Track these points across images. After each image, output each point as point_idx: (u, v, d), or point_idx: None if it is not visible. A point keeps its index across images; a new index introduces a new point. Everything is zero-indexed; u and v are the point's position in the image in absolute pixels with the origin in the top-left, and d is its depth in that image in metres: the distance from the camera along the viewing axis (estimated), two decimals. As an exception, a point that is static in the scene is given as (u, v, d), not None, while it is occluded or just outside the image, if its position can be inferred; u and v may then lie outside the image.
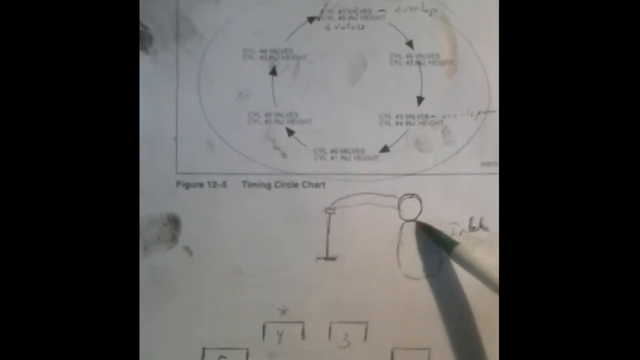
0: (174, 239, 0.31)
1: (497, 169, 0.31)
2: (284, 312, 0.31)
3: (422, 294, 0.31)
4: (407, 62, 0.32)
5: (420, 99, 0.31)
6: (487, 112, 0.31)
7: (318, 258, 0.31)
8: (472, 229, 0.31)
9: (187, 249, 0.31)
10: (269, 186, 0.31)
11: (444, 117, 0.31)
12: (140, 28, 0.31)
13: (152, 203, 0.31)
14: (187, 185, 0.31)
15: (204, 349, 0.31)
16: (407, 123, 0.31)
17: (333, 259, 0.31)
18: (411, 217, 0.31)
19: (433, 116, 0.31)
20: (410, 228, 0.31)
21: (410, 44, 0.32)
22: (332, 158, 0.31)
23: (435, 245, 0.31)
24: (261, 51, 0.32)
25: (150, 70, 0.31)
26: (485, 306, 0.31)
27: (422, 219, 0.31)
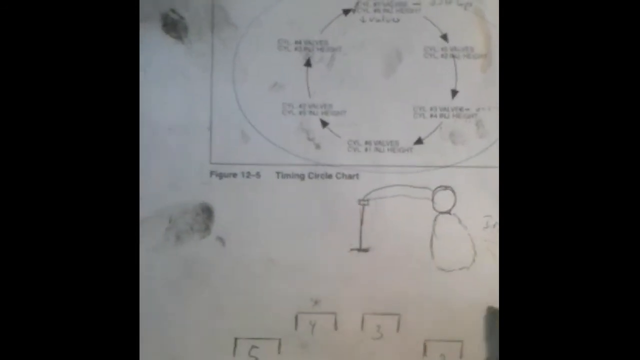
0: (207, 229, 0.31)
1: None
2: (316, 302, 0.31)
3: (455, 286, 0.31)
4: (442, 56, 0.32)
5: (454, 92, 0.32)
6: (522, 105, 0.31)
7: (351, 249, 0.31)
8: (506, 222, 0.31)
9: (220, 239, 0.31)
10: (302, 177, 0.31)
11: (478, 110, 0.31)
12: (175, 17, 0.31)
13: (185, 193, 0.31)
14: (221, 176, 0.31)
15: (236, 338, 0.31)
16: (441, 116, 0.31)
17: (366, 250, 0.31)
18: (445, 209, 0.31)
19: (467, 109, 0.31)
20: (444, 220, 0.31)
21: (445, 37, 0.32)
22: (366, 150, 0.31)
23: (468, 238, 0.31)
24: (296, 42, 0.32)
25: (185, 59, 0.31)
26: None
27: (456, 211, 0.31)
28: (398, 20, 0.32)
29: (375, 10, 0.32)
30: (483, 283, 0.31)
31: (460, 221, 0.31)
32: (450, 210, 0.31)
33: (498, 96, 0.30)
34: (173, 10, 0.31)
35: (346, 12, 0.32)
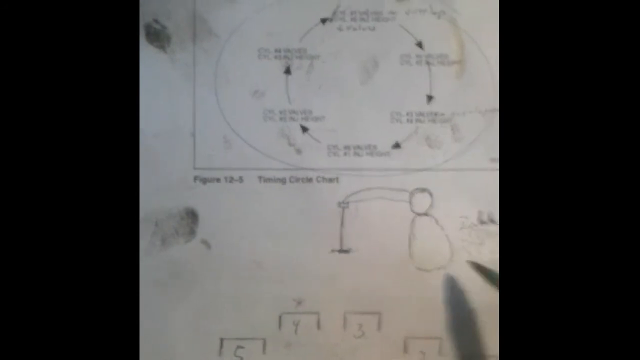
0: (192, 233, 0.32)
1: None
2: (299, 303, 0.32)
3: (434, 285, 0.32)
4: (417, 62, 0.33)
5: (429, 98, 0.33)
6: (494, 109, 0.32)
7: (332, 251, 0.32)
8: (481, 222, 0.32)
9: (205, 242, 0.32)
10: (283, 181, 0.32)
11: (453, 114, 0.33)
12: (158, 27, 0.32)
13: (170, 197, 0.32)
14: (205, 180, 0.32)
15: (222, 339, 0.32)
16: (418, 120, 0.33)
17: (347, 251, 0.32)
18: (422, 210, 0.32)
19: (442, 114, 0.33)
20: (422, 221, 0.32)
21: (420, 44, 0.33)
22: (345, 154, 0.32)
23: (445, 238, 0.32)
24: (276, 51, 0.33)
25: (169, 69, 0.32)
26: (494, 297, 0.32)
27: (433, 213, 0.32)
28: (374, 29, 0.33)
29: (352, 19, 0.33)
30: (460, 281, 0.32)
31: (437, 222, 0.32)
32: (427, 211, 0.32)
33: (475, 99, 0.32)
34: (156, 21, 0.32)
35: (324, 21, 0.33)
